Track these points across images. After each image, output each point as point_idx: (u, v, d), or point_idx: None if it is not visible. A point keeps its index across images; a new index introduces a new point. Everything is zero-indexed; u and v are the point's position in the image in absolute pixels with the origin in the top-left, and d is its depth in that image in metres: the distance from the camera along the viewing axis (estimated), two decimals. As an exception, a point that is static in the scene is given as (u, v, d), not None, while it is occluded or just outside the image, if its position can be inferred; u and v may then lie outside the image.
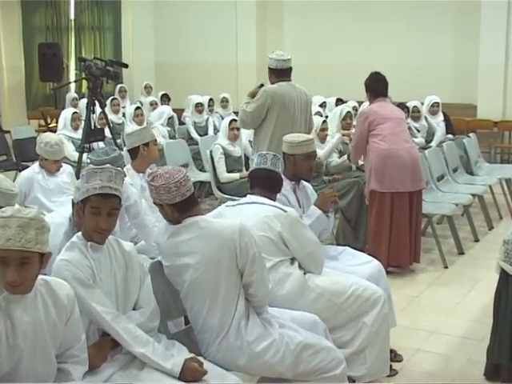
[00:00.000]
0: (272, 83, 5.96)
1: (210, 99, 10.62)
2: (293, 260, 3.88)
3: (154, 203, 3.40)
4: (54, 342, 2.67)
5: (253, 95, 5.97)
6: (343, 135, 6.88)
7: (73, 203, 3.95)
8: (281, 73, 5.91)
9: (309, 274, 3.87)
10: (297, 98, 5.92)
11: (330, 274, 3.95)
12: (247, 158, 7.40)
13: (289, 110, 5.87)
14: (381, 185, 5.85)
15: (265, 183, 4.00)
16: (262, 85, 6.12)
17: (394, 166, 5.82)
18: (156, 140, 5.23)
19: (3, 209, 2.56)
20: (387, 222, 5.87)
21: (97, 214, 3.01)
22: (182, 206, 3.29)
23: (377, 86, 6.09)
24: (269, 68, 5.97)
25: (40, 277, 2.65)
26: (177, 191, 3.25)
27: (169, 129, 9.62)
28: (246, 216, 3.74)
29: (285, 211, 3.83)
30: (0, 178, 3.57)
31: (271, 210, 3.82)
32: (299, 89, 5.99)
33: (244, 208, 3.86)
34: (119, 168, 3.19)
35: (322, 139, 6.85)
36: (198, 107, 10.16)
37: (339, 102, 9.51)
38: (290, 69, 5.98)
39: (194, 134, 9.89)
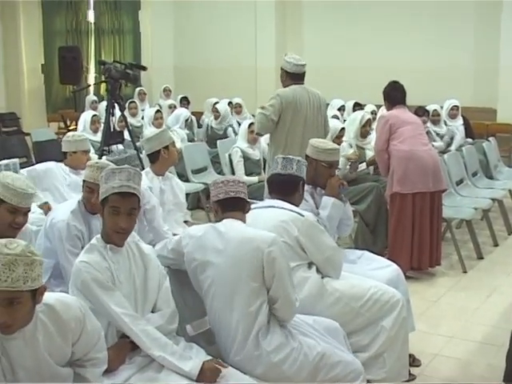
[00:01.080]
0: (285, 86, 5.94)
1: (229, 102, 10.58)
2: (310, 264, 3.86)
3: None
4: (62, 360, 2.63)
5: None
6: (348, 159, 6.65)
7: (83, 181, 4.04)
8: (296, 77, 5.90)
9: (327, 278, 3.85)
10: (309, 101, 5.90)
11: (348, 277, 3.94)
12: (266, 161, 7.40)
13: (301, 112, 5.85)
14: (403, 186, 5.85)
15: (279, 188, 4.00)
16: None
17: (416, 167, 5.84)
18: (174, 142, 5.26)
19: None
20: (409, 225, 5.87)
21: (116, 214, 3.02)
22: (224, 204, 3.39)
23: (395, 95, 6.15)
24: (285, 71, 5.91)
25: (43, 302, 2.49)
26: (222, 188, 3.38)
27: (187, 132, 9.61)
28: (263, 220, 3.74)
29: (302, 215, 3.82)
30: (14, 177, 3.54)
31: (288, 215, 3.81)
32: (312, 92, 5.97)
33: (262, 212, 3.86)
34: (137, 168, 3.22)
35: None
36: (214, 109, 9.84)
37: (357, 106, 9.47)
38: (304, 73, 5.98)
39: (200, 136, 9.79)
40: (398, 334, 3.82)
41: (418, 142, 5.97)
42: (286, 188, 4.00)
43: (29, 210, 3.56)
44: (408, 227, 5.88)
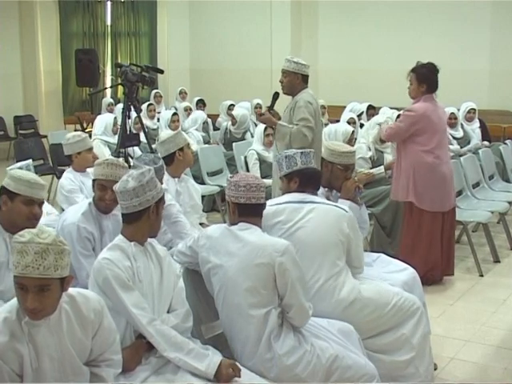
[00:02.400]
0: (298, 90, 5.81)
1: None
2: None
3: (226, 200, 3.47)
4: (83, 355, 2.69)
5: (268, 120, 5.96)
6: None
7: (93, 180, 4.06)
8: (307, 79, 5.88)
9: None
10: (317, 104, 5.94)
11: (373, 283, 3.91)
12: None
13: (319, 116, 5.88)
14: (420, 201, 5.67)
15: (315, 182, 3.98)
16: (277, 93, 5.98)
17: (436, 185, 5.63)
18: (189, 144, 5.27)
19: (21, 232, 2.49)
20: (425, 238, 5.74)
21: None
22: (243, 209, 3.35)
23: (435, 79, 5.73)
24: (300, 74, 5.80)
25: (65, 293, 2.61)
26: (244, 192, 3.32)
27: (203, 134, 9.62)
28: (317, 216, 3.73)
29: (346, 211, 3.83)
30: (24, 172, 3.65)
31: (337, 211, 3.81)
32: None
33: (308, 207, 3.79)
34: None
35: None
36: (231, 114, 9.73)
37: (371, 108, 9.42)
38: None
39: (216, 138, 9.74)
40: (424, 342, 3.80)
41: (442, 153, 5.68)
42: (319, 182, 4.03)
43: (43, 202, 3.61)
44: (423, 240, 5.74)
